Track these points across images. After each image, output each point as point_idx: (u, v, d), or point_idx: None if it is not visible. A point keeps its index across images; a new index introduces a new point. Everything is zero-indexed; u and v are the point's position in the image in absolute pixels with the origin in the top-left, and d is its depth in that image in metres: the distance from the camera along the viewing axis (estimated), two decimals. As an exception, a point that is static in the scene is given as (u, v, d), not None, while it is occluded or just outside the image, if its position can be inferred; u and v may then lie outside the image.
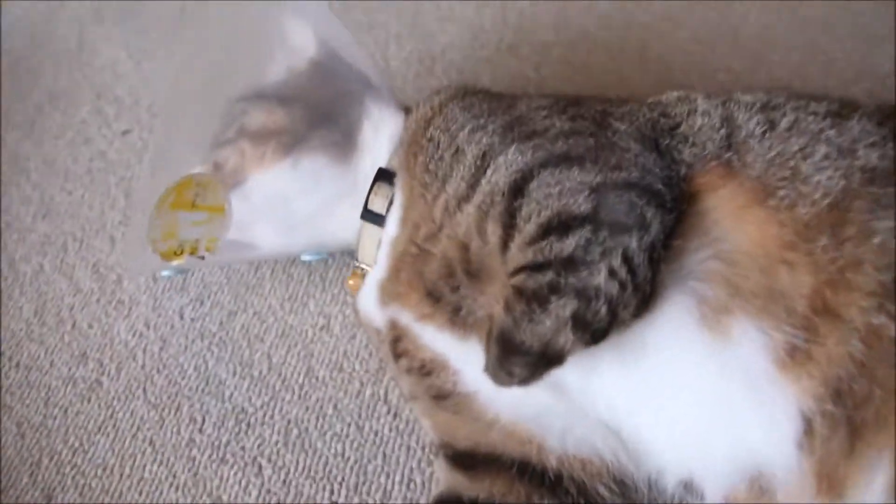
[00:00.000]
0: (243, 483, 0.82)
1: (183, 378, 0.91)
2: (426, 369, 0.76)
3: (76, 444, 0.88)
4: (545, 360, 0.61)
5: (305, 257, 0.89)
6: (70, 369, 0.94)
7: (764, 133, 0.70)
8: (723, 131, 0.71)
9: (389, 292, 0.79)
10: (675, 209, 0.65)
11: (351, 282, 0.86)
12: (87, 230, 1.09)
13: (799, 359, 0.61)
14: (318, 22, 0.88)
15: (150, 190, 0.86)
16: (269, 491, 0.81)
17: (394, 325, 0.79)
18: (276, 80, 0.91)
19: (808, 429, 0.60)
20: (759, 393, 0.62)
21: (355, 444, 0.83)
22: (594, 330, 0.61)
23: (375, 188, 0.81)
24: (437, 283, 0.74)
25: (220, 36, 1.03)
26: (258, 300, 0.97)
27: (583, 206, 0.63)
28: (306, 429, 0.85)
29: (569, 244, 0.61)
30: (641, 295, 0.62)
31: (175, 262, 0.82)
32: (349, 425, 0.84)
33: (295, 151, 0.81)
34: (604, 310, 0.60)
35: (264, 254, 0.89)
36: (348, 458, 0.82)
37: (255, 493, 0.81)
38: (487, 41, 1.26)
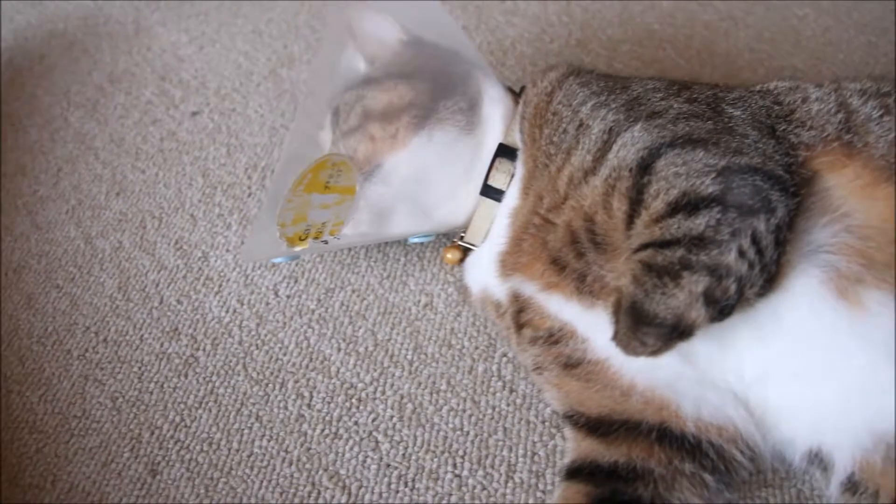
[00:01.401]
0: (360, 457, 0.80)
1: (285, 354, 0.89)
2: (553, 338, 0.76)
3: (177, 420, 0.85)
4: (676, 332, 0.62)
5: (414, 239, 0.88)
6: (162, 345, 0.92)
7: (881, 116, 0.71)
8: (840, 115, 0.73)
9: (511, 264, 0.79)
10: (797, 193, 0.66)
11: (449, 255, 0.86)
12: (164, 208, 1.07)
13: None
14: (415, 10, 0.89)
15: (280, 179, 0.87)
16: (388, 465, 0.79)
17: (516, 297, 0.79)
18: (376, 66, 0.90)
19: None
20: None
21: (473, 419, 0.82)
22: (723, 306, 0.62)
23: (497, 163, 0.81)
24: (562, 251, 0.74)
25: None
26: (355, 278, 0.95)
27: (710, 188, 0.64)
28: (420, 404, 0.84)
29: (699, 223, 0.62)
30: (767, 275, 0.64)
31: (298, 248, 0.80)
32: (465, 400, 0.83)
33: (428, 124, 0.81)
34: (733, 288, 0.61)
35: (383, 238, 0.88)
36: (468, 433, 0.81)
37: (374, 468, 0.79)
38: (556, 35, 1.28)
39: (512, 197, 0.81)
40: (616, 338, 0.65)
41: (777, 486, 0.76)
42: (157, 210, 1.07)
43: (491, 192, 0.82)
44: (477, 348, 0.88)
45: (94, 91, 1.27)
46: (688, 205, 0.64)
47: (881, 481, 0.66)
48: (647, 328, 0.63)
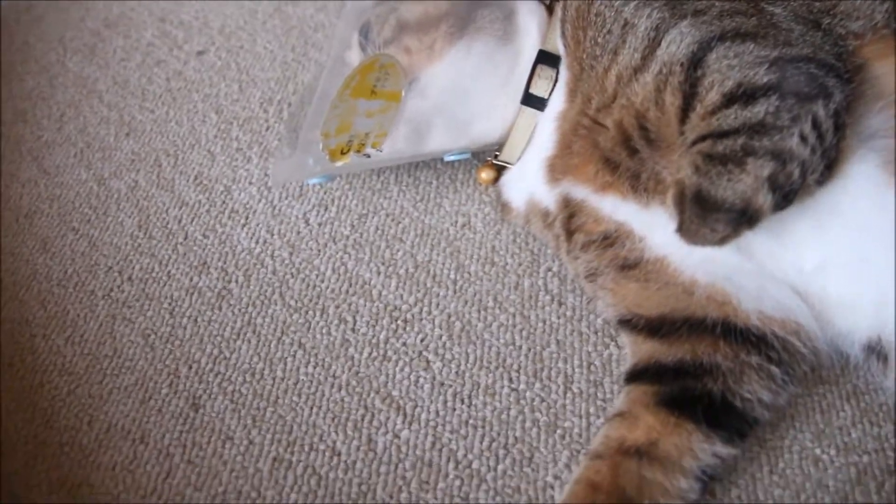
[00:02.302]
0: (413, 377, 0.77)
1: (322, 281, 0.86)
2: (609, 241, 0.74)
3: (215, 352, 0.82)
4: (745, 217, 0.60)
5: (449, 157, 0.85)
6: (192, 279, 0.88)
7: None
8: (887, 4, 0.70)
9: (561, 168, 0.76)
10: (851, 80, 0.65)
11: (483, 174, 0.83)
12: (179, 145, 1.03)
13: None
14: None
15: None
16: (442, 384, 0.77)
17: (567, 202, 0.76)
18: None
19: None
20: None
21: (525, 334, 0.79)
22: (787, 192, 0.60)
23: (538, 70, 0.78)
24: (615, 150, 0.72)
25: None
26: (388, 203, 0.92)
27: (766, 77, 0.62)
28: (469, 321, 0.81)
29: (758, 111, 0.61)
30: (828, 160, 0.62)
31: (339, 163, 0.77)
32: (514, 315, 0.81)
33: (467, 34, 0.78)
34: (797, 172, 0.60)
35: (421, 156, 0.85)
36: (520, 347, 0.78)
37: (427, 387, 0.77)
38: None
39: (557, 101, 0.78)
40: (682, 228, 0.63)
41: (833, 382, 0.75)
42: (172, 148, 1.02)
43: (533, 101, 0.79)
44: (521, 264, 0.85)
45: (90, 36, 1.21)
46: (744, 94, 0.62)
47: None
48: (716, 214, 0.61)
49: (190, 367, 0.81)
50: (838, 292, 0.69)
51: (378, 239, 0.89)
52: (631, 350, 0.74)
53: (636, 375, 0.72)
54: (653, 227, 0.71)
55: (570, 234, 0.77)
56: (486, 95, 0.80)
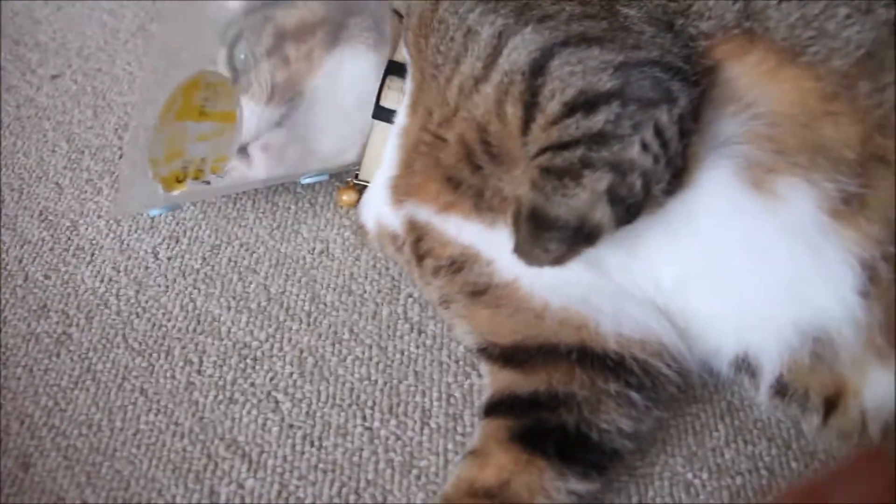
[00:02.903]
0: (260, 420, 0.73)
1: (169, 320, 0.81)
2: (456, 265, 0.71)
3: (50, 404, 0.76)
4: (581, 235, 0.58)
5: (307, 179, 0.80)
6: (29, 325, 0.82)
7: (779, 1, 0.68)
8: (739, 3, 0.69)
9: (403, 188, 0.73)
10: (699, 83, 0.62)
11: (344, 197, 0.79)
12: (25, 179, 0.96)
13: (854, 206, 0.59)
14: None
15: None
16: (291, 426, 0.72)
17: (413, 225, 0.73)
18: None
19: (872, 275, 0.59)
20: (817, 247, 0.60)
21: (381, 366, 0.75)
22: (629, 205, 0.58)
23: (388, 82, 0.75)
24: (456, 167, 0.68)
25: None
26: (243, 232, 0.87)
27: (608, 84, 0.59)
28: (322, 356, 0.76)
29: (598, 120, 0.58)
30: (673, 169, 0.60)
31: (176, 192, 0.72)
32: (370, 347, 0.76)
33: (341, 41, 0.75)
34: (639, 183, 0.57)
35: (276, 178, 0.80)
36: (376, 381, 0.74)
37: (275, 430, 0.72)
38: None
39: (401, 115, 0.74)
40: (517, 248, 0.61)
41: (707, 400, 0.73)
42: (17, 182, 0.96)
43: (384, 114, 0.76)
44: (380, 291, 0.81)
45: (-63, 62, 1.13)
46: (585, 103, 0.59)
47: (810, 380, 0.64)
48: (549, 233, 0.58)
49: (21, 423, 0.75)
50: (700, 307, 0.67)
51: (230, 271, 0.84)
52: (489, 380, 0.71)
53: (492, 408, 0.69)
54: (500, 248, 0.67)
55: (419, 258, 0.73)
56: (346, 110, 0.76)
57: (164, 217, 0.89)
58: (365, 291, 0.81)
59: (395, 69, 0.76)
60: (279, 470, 0.70)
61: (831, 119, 0.60)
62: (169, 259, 0.85)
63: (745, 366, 0.66)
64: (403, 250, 0.75)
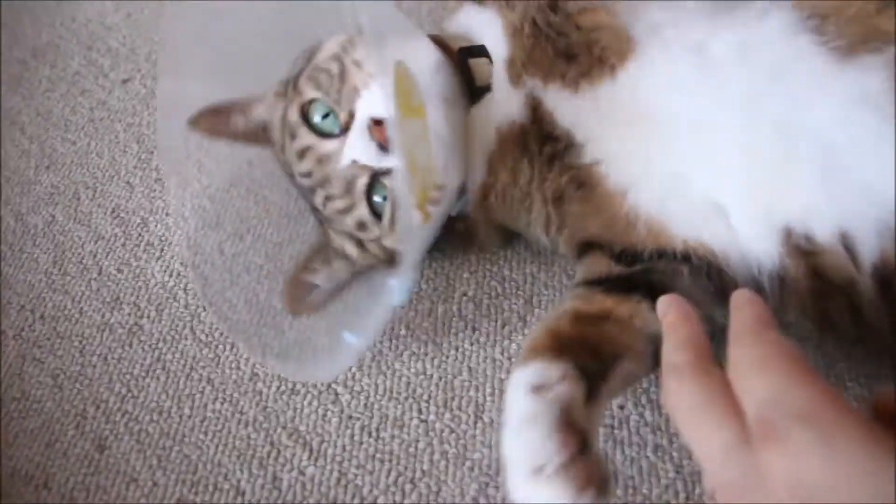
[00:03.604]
0: (320, 411, 0.76)
1: (234, 314, 0.84)
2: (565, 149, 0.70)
3: (123, 391, 0.80)
4: None
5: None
6: (103, 316, 0.86)
7: None
8: None
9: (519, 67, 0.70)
10: None
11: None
12: (99, 178, 1.01)
13: None
14: None
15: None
16: (350, 416, 0.75)
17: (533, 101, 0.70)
18: None
19: None
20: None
21: (436, 362, 0.78)
22: None
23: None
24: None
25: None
26: (305, 230, 0.90)
27: None
28: (380, 351, 0.79)
29: None
30: None
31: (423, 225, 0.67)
32: (426, 343, 0.79)
33: None
34: None
35: None
36: (431, 376, 0.77)
37: (335, 421, 0.75)
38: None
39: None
40: None
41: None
42: (91, 180, 1.01)
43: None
44: (435, 290, 0.83)
45: (17, 66, 1.20)
46: None
47: None
48: None
49: (97, 408, 0.79)
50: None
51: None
52: (585, 268, 0.73)
53: (583, 284, 0.71)
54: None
55: (541, 145, 0.72)
56: None
57: (228, 213, 0.92)
58: (421, 290, 0.83)
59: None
60: (338, 458, 0.73)
61: None
62: (234, 255, 0.89)
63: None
64: (528, 142, 0.71)
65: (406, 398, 0.76)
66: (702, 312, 0.59)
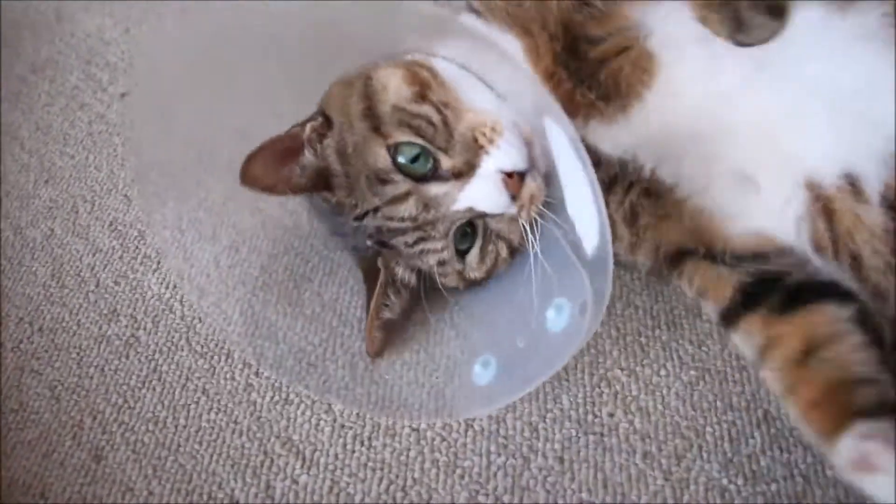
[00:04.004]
0: (313, 421, 0.77)
1: (229, 325, 0.85)
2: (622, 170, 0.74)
3: (119, 402, 0.82)
4: None
5: None
6: (101, 328, 0.88)
7: None
8: None
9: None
10: None
11: None
12: (97, 191, 1.03)
13: None
14: None
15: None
16: (342, 426, 0.76)
17: None
18: None
19: None
20: None
21: (428, 371, 0.79)
22: None
23: None
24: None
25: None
26: (299, 242, 0.92)
27: None
28: (374, 360, 0.80)
29: None
30: None
31: None
32: (418, 353, 0.81)
33: None
34: None
35: None
36: (423, 385, 0.78)
37: (327, 430, 0.76)
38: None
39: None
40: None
41: (743, 408, 0.75)
42: (90, 193, 1.03)
43: None
44: (428, 299, 0.84)
45: (16, 82, 1.21)
46: None
47: None
48: None
49: (94, 418, 0.80)
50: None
51: (286, 279, 0.88)
52: (712, 294, 0.73)
53: (732, 312, 0.72)
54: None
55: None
56: None
57: (224, 226, 0.93)
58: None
59: None
60: (331, 467, 0.74)
61: None
62: (230, 267, 0.90)
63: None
64: None
65: (398, 408, 0.77)
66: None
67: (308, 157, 0.75)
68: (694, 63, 0.68)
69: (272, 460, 0.75)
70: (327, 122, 0.74)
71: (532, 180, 0.71)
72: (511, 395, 0.72)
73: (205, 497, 0.73)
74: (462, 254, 0.74)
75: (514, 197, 0.70)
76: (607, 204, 0.69)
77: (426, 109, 0.70)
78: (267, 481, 0.73)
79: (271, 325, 0.85)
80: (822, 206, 0.66)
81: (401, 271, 0.76)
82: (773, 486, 0.68)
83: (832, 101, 0.64)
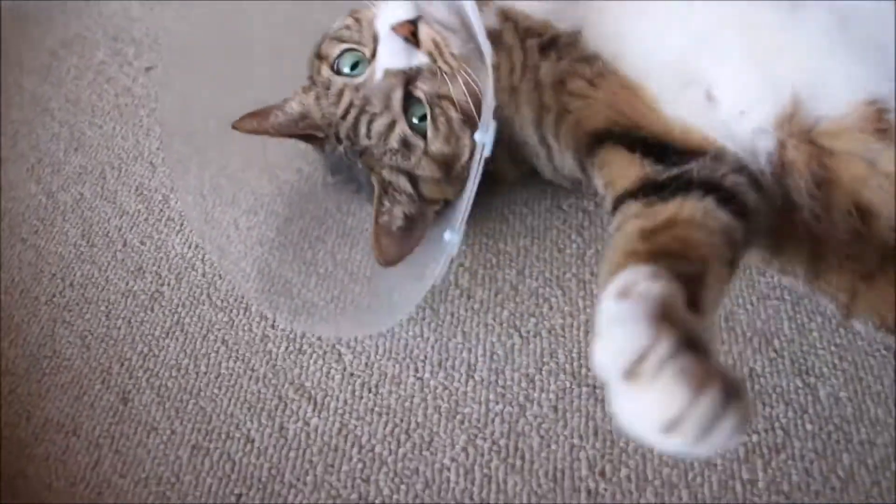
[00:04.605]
0: (325, 369, 0.82)
1: (247, 281, 0.91)
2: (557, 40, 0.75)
3: (145, 350, 0.87)
4: None
5: None
6: (128, 283, 0.94)
7: None
8: None
9: None
10: None
11: None
12: (124, 158, 1.08)
13: None
14: None
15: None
16: (351, 374, 0.82)
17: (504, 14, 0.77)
18: None
19: None
20: None
21: (433, 326, 0.84)
22: None
23: None
24: None
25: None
26: (314, 206, 0.97)
27: None
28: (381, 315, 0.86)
29: None
30: None
31: None
32: (424, 309, 0.85)
33: None
34: None
35: None
36: (427, 339, 0.83)
37: (337, 378, 0.81)
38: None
39: None
40: None
41: (730, 367, 0.78)
42: (117, 161, 1.08)
43: None
44: (434, 260, 0.89)
45: (47, 56, 1.27)
46: None
47: None
48: None
49: (122, 365, 0.86)
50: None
51: (301, 240, 0.94)
52: (613, 174, 0.70)
53: (625, 196, 0.66)
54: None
55: (522, 41, 0.77)
56: None
57: (243, 191, 0.99)
58: (420, 259, 0.90)
59: None
60: (340, 411, 0.79)
61: None
62: (248, 229, 0.96)
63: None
64: (504, 39, 0.76)
65: (403, 358, 0.82)
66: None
67: (292, 105, 0.84)
68: None
69: (286, 404, 0.80)
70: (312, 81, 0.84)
71: (425, 25, 0.76)
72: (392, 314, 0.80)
73: (223, 436, 0.79)
74: (423, 132, 0.78)
75: (416, 44, 0.76)
76: (534, 68, 0.74)
77: (346, 20, 0.82)
78: (281, 423, 0.79)
79: (286, 282, 0.90)
80: (812, 147, 0.63)
81: (386, 174, 0.80)
82: (755, 438, 0.72)
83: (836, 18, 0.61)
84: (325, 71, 0.81)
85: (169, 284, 0.92)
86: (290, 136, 0.86)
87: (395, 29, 0.75)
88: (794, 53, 0.63)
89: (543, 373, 0.79)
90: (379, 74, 0.77)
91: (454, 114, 0.78)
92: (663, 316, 0.45)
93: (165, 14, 1.30)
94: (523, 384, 0.78)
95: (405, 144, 0.79)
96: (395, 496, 0.73)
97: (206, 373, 0.84)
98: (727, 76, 0.66)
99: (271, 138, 0.87)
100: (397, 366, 0.81)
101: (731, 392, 0.42)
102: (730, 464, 0.71)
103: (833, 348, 0.75)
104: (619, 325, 0.46)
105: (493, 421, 0.76)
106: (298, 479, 0.75)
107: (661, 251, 0.55)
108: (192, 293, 0.91)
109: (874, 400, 0.72)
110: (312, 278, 0.90)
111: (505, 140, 0.74)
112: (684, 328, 0.45)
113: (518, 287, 0.85)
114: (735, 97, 0.66)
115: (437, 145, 0.78)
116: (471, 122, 0.77)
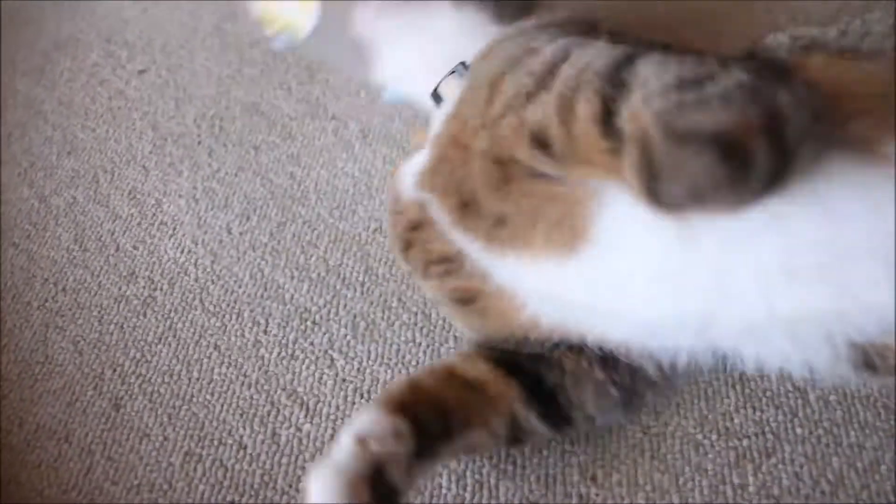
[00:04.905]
0: (317, 375, 0.82)
1: (240, 286, 0.91)
2: (447, 267, 0.71)
3: (137, 356, 0.87)
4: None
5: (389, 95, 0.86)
6: (120, 288, 0.94)
7: None
8: None
9: (428, 182, 0.70)
10: None
11: (416, 139, 0.83)
12: (116, 162, 1.08)
13: None
14: None
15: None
16: (343, 380, 0.82)
17: (421, 209, 0.71)
18: None
19: None
20: None
21: (425, 331, 0.84)
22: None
23: (452, 74, 0.75)
24: (480, 189, 0.65)
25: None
26: (306, 211, 0.97)
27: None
28: (373, 321, 0.86)
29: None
30: None
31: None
32: (416, 314, 0.85)
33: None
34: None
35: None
36: (419, 344, 0.83)
37: (329, 384, 0.82)
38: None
39: (446, 111, 0.72)
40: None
41: (720, 369, 0.77)
42: (110, 164, 1.08)
43: (436, 99, 0.77)
44: (426, 266, 0.89)
45: (40, 58, 1.27)
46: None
47: None
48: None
49: (114, 371, 0.86)
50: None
51: (294, 245, 0.94)
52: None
53: (475, 343, 0.72)
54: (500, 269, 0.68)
55: (406, 244, 0.76)
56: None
57: (237, 195, 0.99)
58: (412, 265, 0.90)
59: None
60: (332, 417, 0.79)
61: None
62: (241, 234, 0.96)
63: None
64: (397, 222, 0.75)
65: (396, 363, 0.82)
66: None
67: None
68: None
69: (278, 410, 0.80)
70: None
71: None
72: None
73: (215, 442, 0.79)
74: None
75: None
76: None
77: None
78: (273, 429, 0.79)
79: (279, 287, 0.90)
80: None
81: None
82: (745, 442, 0.72)
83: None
84: None
85: (161, 289, 0.92)
86: None
87: None
88: None
89: (535, 378, 0.79)
90: None
91: None
92: (371, 479, 0.57)
93: (158, 16, 1.30)
94: (515, 389, 0.78)
95: None
96: (386, 502, 0.73)
97: (198, 378, 0.84)
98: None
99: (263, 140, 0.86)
100: (390, 371, 0.82)
101: None
102: (720, 468, 0.71)
103: (823, 354, 0.75)
104: (334, 474, 0.57)
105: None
106: (291, 486, 0.75)
107: (437, 400, 0.65)
108: (184, 298, 0.91)
109: (863, 403, 0.72)
110: (305, 283, 0.90)
111: None
112: (388, 492, 0.57)
113: (510, 292, 0.85)
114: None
115: None
116: None
